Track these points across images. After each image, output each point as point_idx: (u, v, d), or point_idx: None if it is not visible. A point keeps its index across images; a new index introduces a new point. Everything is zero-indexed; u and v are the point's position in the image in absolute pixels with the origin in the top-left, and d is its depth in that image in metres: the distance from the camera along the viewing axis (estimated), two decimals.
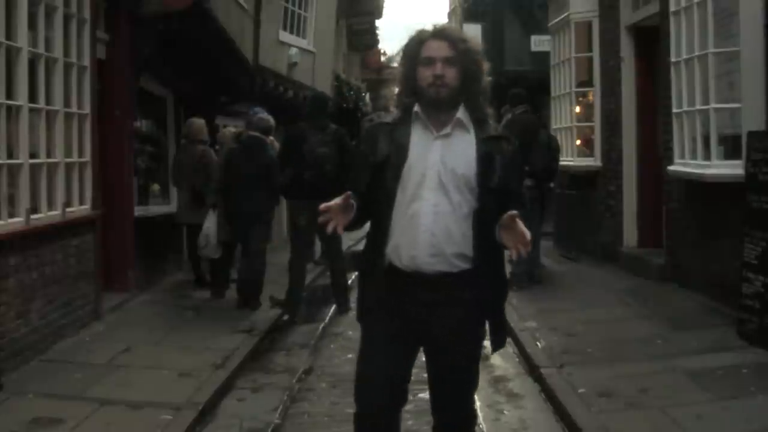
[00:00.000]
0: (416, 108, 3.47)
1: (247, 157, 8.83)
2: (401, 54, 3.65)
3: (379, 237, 3.48)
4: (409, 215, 3.39)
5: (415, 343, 3.56)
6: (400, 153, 3.43)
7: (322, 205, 3.26)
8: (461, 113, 3.46)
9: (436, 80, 3.40)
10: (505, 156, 3.47)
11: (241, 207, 8.83)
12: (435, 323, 3.45)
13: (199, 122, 10.34)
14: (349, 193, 3.27)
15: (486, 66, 3.55)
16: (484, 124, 3.52)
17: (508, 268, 9.96)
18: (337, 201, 3.25)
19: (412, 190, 3.39)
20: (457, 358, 3.56)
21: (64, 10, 7.24)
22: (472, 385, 3.75)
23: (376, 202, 3.45)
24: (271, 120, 9.54)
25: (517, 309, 8.76)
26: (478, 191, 3.39)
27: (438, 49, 3.43)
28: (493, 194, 3.39)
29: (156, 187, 11.33)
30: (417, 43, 3.50)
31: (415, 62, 3.47)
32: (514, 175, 3.56)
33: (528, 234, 3.15)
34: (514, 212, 3.15)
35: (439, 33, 3.49)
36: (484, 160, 3.41)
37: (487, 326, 3.65)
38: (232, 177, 8.91)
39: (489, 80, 3.57)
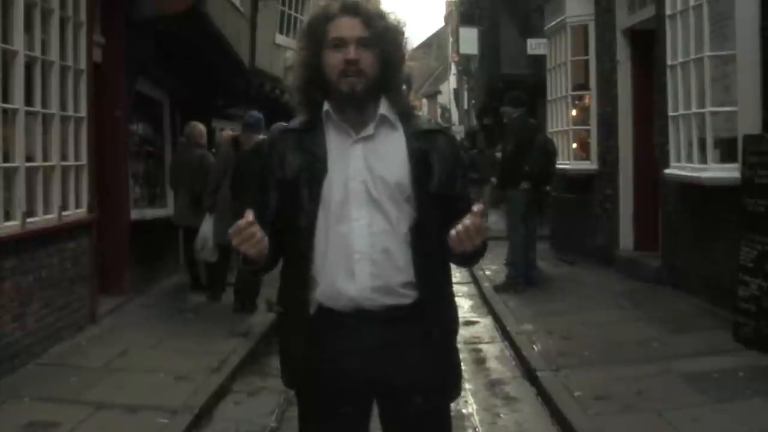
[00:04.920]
0: (326, 107, 2.76)
1: (259, 161, 8.74)
2: (301, 36, 2.87)
3: (300, 274, 2.75)
4: (337, 242, 2.70)
5: (366, 404, 2.85)
6: (315, 165, 2.73)
7: (231, 230, 2.58)
8: (384, 108, 2.76)
9: (348, 67, 2.69)
10: (443, 152, 2.80)
11: (246, 209, 8.79)
12: (388, 371, 2.73)
13: (201, 127, 10.38)
14: (250, 213, 2.58)
15: (408, 50, 2.93)
16: (411, 117, 2.84)
17: (504, 272, 10.14)
18: (242, 224, 2.56)
19: (335, 209, 2.70)
20: (423, 410, 2.80)
21: (61, 13, 7.24)
22: None
23: (292, 230, 2.76)
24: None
25: (513, 312, 8.78)
26: (415, 200, 2.73)
27: (350, 27, 2.72)
28: (434, 201, 2.73)
29: (156, 190, 11.34)
30: (322, 21, 2.76)
31: (321, 46, 2.75)
32: (459, 176, 2.85)
33: (479, 225, 2.54)
34: (480, 206, 2.57)
35: (350, 8, 2.75)
36: (418, 159, 2.74)
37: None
38: (242, 178, 8.86)
39: (411, 66, 2.96)
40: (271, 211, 2.79)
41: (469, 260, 2.83)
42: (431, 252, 2.72)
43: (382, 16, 2.78)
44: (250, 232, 2.56)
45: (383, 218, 2.70)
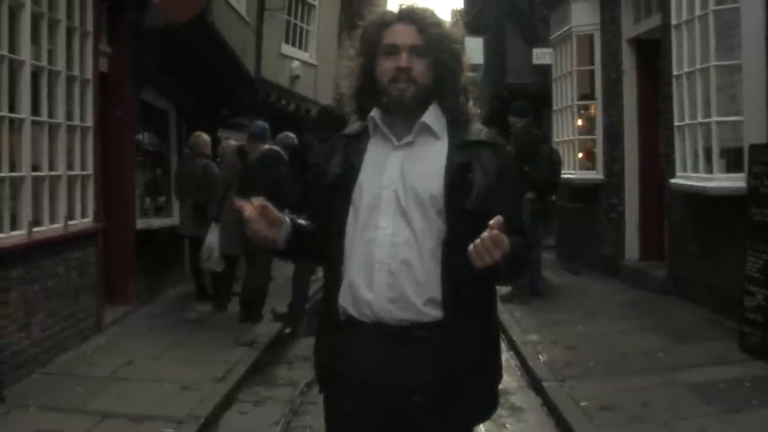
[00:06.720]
0: (373, 113, 2.74)
1: (265, 170, 8.76)
2: (358, 41, 2.82)
3: (332, 280, 2.76)
4: (362, 250, 2.65)
5: (386, 414, 2.71)
6: (350, 172, 2.72)
7: (238, 203, 2.60)
8: (429, 116, 2.70)
9: (399, 74, 2.65)
10: (488, 167, 2.66)
11: None
12: (405, 391, 2.64)
13: (206, 137, 10.41)
14: (258, 199, 2.60)
15: (466, 59, 2.81)
16: (462, 127, 2.75)
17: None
18: (254, 205, 2.58)
19: (364, 217, 2.66)
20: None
21: (67, 23, 7.27)
22: None
23: (327, 235, 2.76)
24: (296, 139, 9.73)
25: (519, 322, 8.76)
26: (446, 214, 2.61)
27: (404, 34, 2.68)
28: (470, 218, 2.57)
29: (162, 199, 11.37)
30: (378, 28, 2.74)
31: (375, 52, 2.72)
32: (504, 194, 2.67)
33: (502, 242, 2.37)
34: (498, 218, 2.37)
35: (406, 15, 2.71)
36: (456, 172, 2.63)
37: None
38: (249, 188, 8.84)
39: (470, 76, 2.83)
40: (295, 192, 2.78)
41: (501, 277, 2.65)
42: (464, 270, 2.51)
43: (437, 24, 2.73)
44: (252, 220, 2.59)
45: (408, 229, 2.62)
